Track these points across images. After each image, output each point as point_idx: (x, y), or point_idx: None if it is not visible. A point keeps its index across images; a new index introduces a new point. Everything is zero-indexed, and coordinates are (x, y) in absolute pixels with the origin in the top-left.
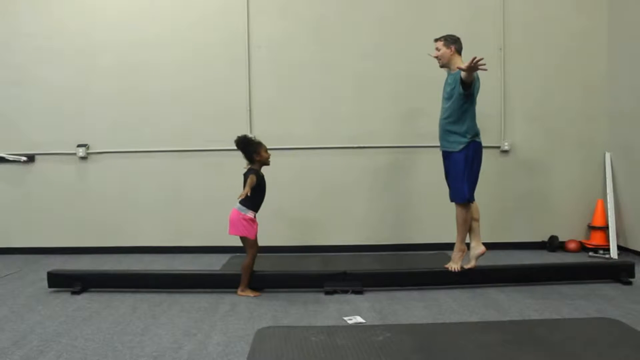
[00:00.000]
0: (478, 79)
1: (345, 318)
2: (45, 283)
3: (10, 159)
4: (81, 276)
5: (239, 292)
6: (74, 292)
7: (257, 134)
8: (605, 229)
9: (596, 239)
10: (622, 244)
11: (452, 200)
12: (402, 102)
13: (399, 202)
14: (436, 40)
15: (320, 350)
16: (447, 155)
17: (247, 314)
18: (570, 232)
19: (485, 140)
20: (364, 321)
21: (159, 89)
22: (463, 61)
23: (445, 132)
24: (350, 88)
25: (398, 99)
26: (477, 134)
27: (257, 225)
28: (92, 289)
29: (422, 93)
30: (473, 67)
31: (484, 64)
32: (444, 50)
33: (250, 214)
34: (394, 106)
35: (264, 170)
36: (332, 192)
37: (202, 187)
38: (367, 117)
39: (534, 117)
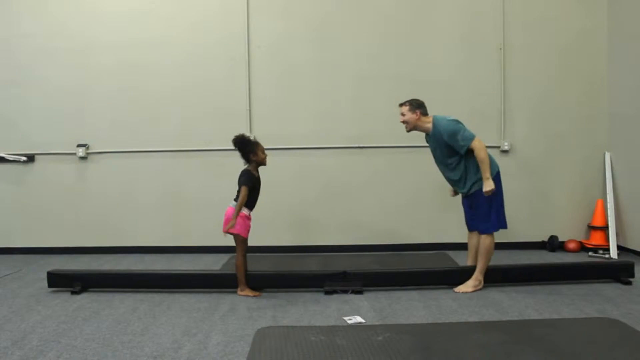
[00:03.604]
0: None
1: (345, 318)
2: (45, 283)
3: (10, 159)
4: (81, 276)
5: (239, 292)
6: (74, 292)
7: (257, 134)
8: (605, 229)
9: (596, 239)
10: (622, 244)
11: (482, 233)
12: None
13: (399, 202)
14: (401, 105)
15: (320, 350)
16: (468, 196)
17: (247, 314)
18: (570, 232)
19: (485, 140)
20: (364, 321)
21: (158, 88)
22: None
23: (456, 181)
24: (350, 88)
25: (398, 99)
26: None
27: (250, 222)
28: (92, 289)
29: (422, 93)
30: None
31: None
32: (409, 115)
33: (245, 211)
34: (394, 106)
35: (261, 169)
36: (332, 192)
37: (202, 187)
38: (367, 117)
39: (534, 117)
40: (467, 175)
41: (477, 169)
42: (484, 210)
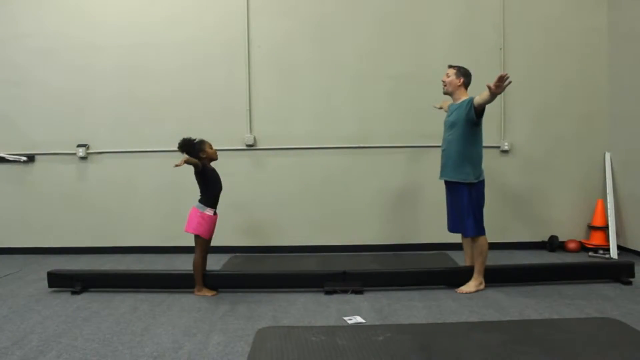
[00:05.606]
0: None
1: (345, 318)
2: (45, 283)
3: (10, 159)
4: (81, 276)
5: (196, 292)
6: (74, 292)
7: (257, 134)
8: (605, 229)
9: (596, 239)
10: (622, 244)
11: (465, 235)
12: (402, 102)
13: (399, 202)
14: (450, 66)
15: (320, 350)
16: (451, 186)
17: (247, 314)
18: (570, 232)
19: (485, 140)
20: (364, 321)
21: (158, 88)
22: (468, 94)
23: (448, 162)
24: (350, 88)
25: (398, 99)
26: (480, 174)
27: (215, 222)
28: (92, 289)
29: (422, 93)
30: (498, 86)
31: (509, 81)
32: (453, 78)
33: (208, 211)
34: (393, 106)
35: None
36: (332, 192)
37: None
38: (367, 117)
39: (534, 117)
40: (457, 156)
41: (468, 160)
42: (462, 208)
